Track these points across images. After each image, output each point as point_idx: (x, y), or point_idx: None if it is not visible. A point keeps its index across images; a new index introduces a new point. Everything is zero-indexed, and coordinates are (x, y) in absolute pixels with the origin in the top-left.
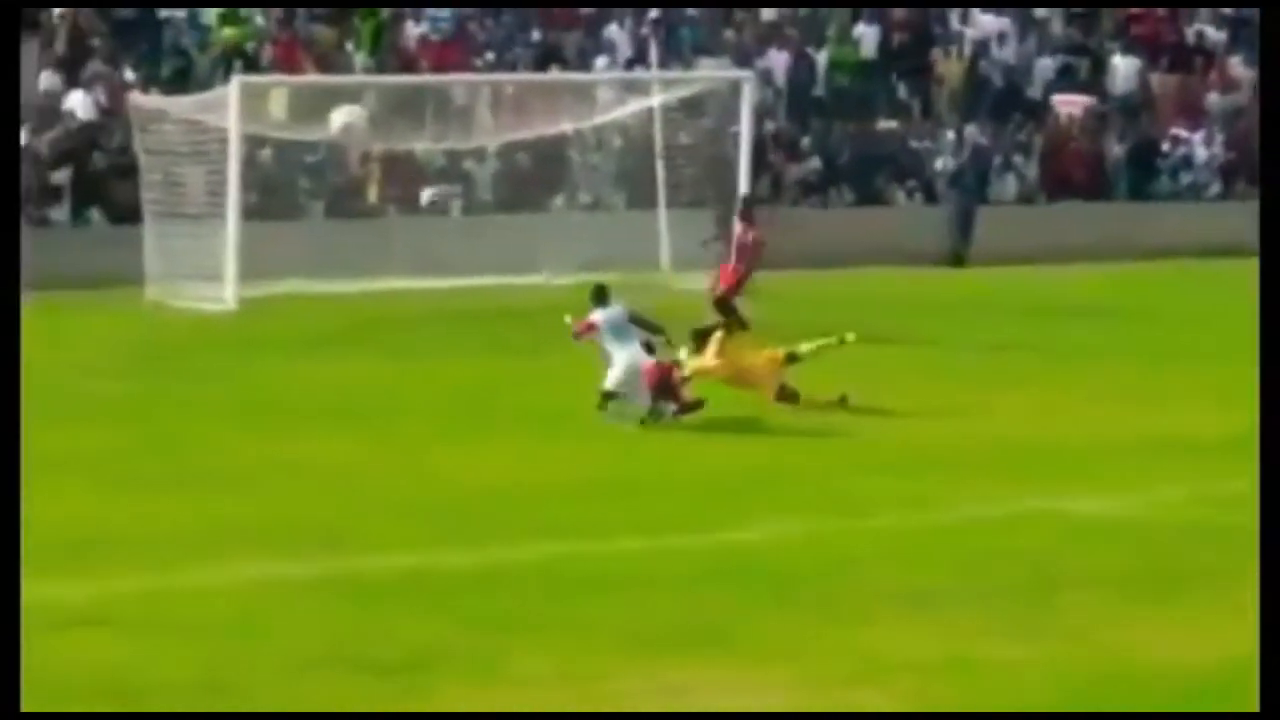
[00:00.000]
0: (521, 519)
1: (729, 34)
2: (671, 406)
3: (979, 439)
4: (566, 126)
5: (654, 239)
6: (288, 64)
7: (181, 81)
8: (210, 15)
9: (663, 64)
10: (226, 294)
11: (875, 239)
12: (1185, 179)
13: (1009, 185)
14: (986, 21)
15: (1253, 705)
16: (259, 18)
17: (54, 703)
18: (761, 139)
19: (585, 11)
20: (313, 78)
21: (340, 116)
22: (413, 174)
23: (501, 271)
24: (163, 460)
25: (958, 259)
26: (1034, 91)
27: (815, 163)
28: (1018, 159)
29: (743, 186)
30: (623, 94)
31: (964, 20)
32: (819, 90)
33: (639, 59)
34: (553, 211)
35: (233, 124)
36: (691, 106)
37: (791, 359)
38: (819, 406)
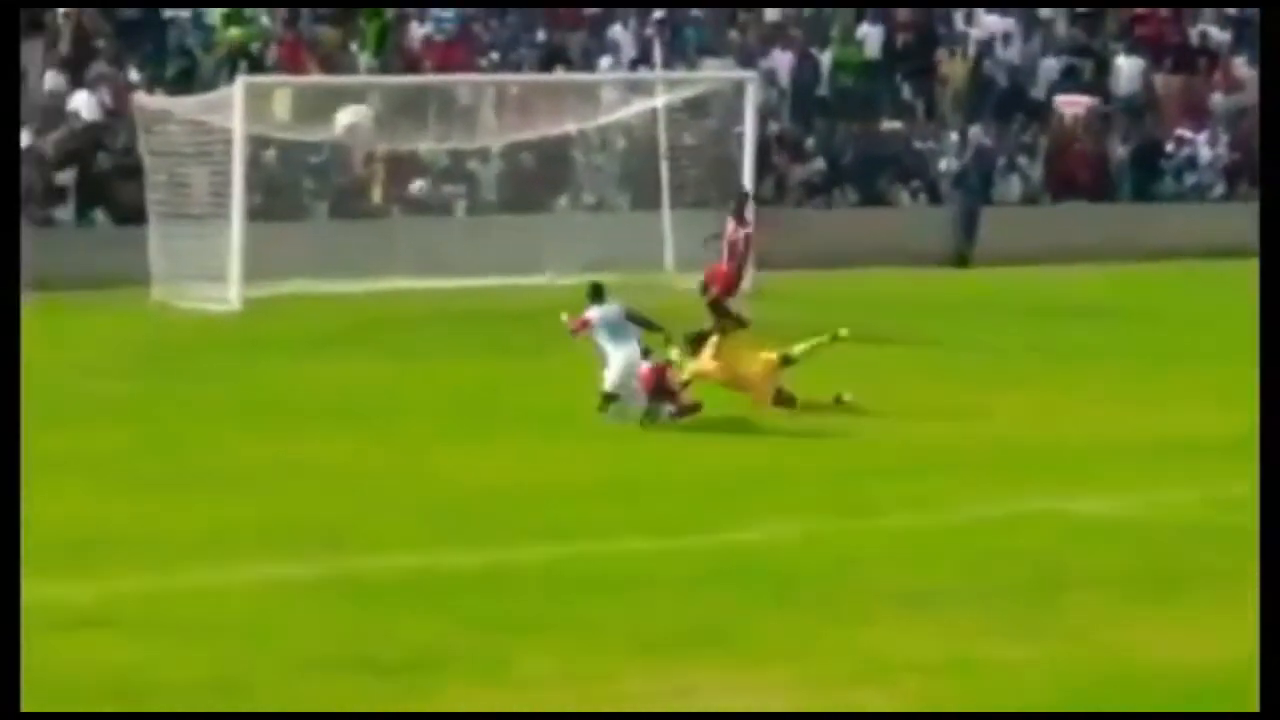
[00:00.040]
0: (524, 519)
1: (733, 34)
2: (669, 408)
3: (981, 439)
4: (571, 127)
5: (658, 240)
6: (292, 64)
7: (186, 82)
8: (215, 16)
9: (667, 64)
10: (231, 294)
11: (879, 239)
12: (1189, 180)
13: (1013, 186)
14: (991, 22)
15: (1253, 705)
16: (264, 18)
17: (58, 703)
18: (765, 139)
19: (590, 12)
20: (317, 78)
21: (346, 116)
22: (417, 174)
23: (505, 272)
24: (167, 460)
25: (962, 259)
26: (1038, 92)
27: (819, 163)
28: (1022, 160)
29: (747, 187)
30: (627, 94)
31: (968, 21)
32: (823, 91)
33: (643, 59)
34: (557, 212)
35: (237, 124)
36: (696, 107)
37: (787, 361)
38: (816, 409)
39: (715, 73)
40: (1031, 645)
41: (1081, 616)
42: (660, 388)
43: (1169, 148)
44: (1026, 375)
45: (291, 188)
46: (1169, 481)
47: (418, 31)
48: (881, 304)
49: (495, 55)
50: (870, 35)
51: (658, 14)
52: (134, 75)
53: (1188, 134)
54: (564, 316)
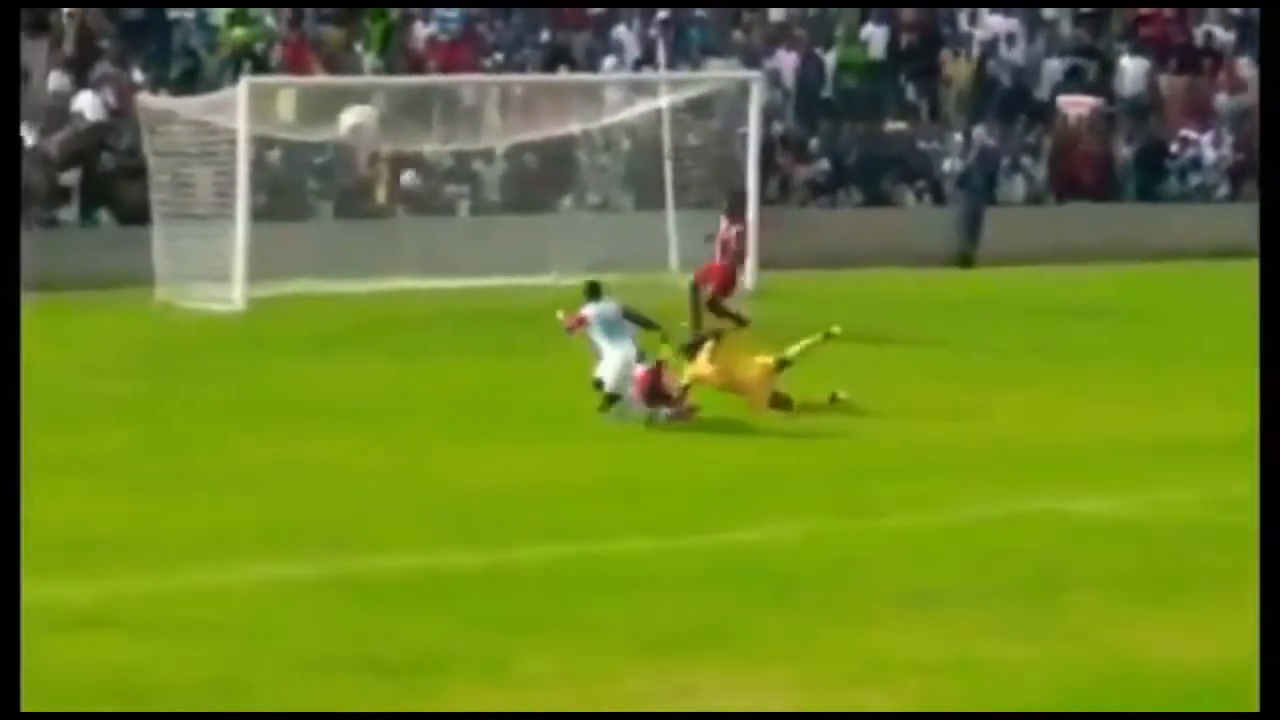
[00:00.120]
0: (525, 520)
1: (737, 35)
2: (665, 411)
3: (982, 439)
4: (575, 127)
5: (662, 240)
6: (296, 65)
7: (190, 82)
8: (219, 16)
9: (671, 65)
10: (235, 294)
11: (883, 240)
12: (1194, 180)
13: (1017, 186)
14: (995, 22)
15: (1254, 706)
16: (268, 19)
17: (60, 703)
18: (770, 140)
19: (594, 12)
20: (321, 79)
21: (351, 116)
22: (421, 174)
23: (510, 272)
24: (170, 460)
25: (966, 260)
26: (1042, 93)
27: (823, 164)
28: (1026, 160)
29: (751, 188)
30: (631, 95)
31: (972, 21)
32: (827, 91)
33: (647, 60)
34: (561, 212)
35: (241, 125)
36: (700, 107)
37: (783, 365)
38: (812, 409)
39: (720, 73)
40: (1032, 645)
41: (1082, 616)
42: (655, 391)
43: (1173, 148)
44: (1029, 375)
45: (296, 188)
46: (1170, 481)
47: (422, 32)
48: (885, 304)
49: (499, 56)
50: (875, 36)
51: (662, 14)
52: (138, 76)
53: (1192, 135)
54: (559, 315)
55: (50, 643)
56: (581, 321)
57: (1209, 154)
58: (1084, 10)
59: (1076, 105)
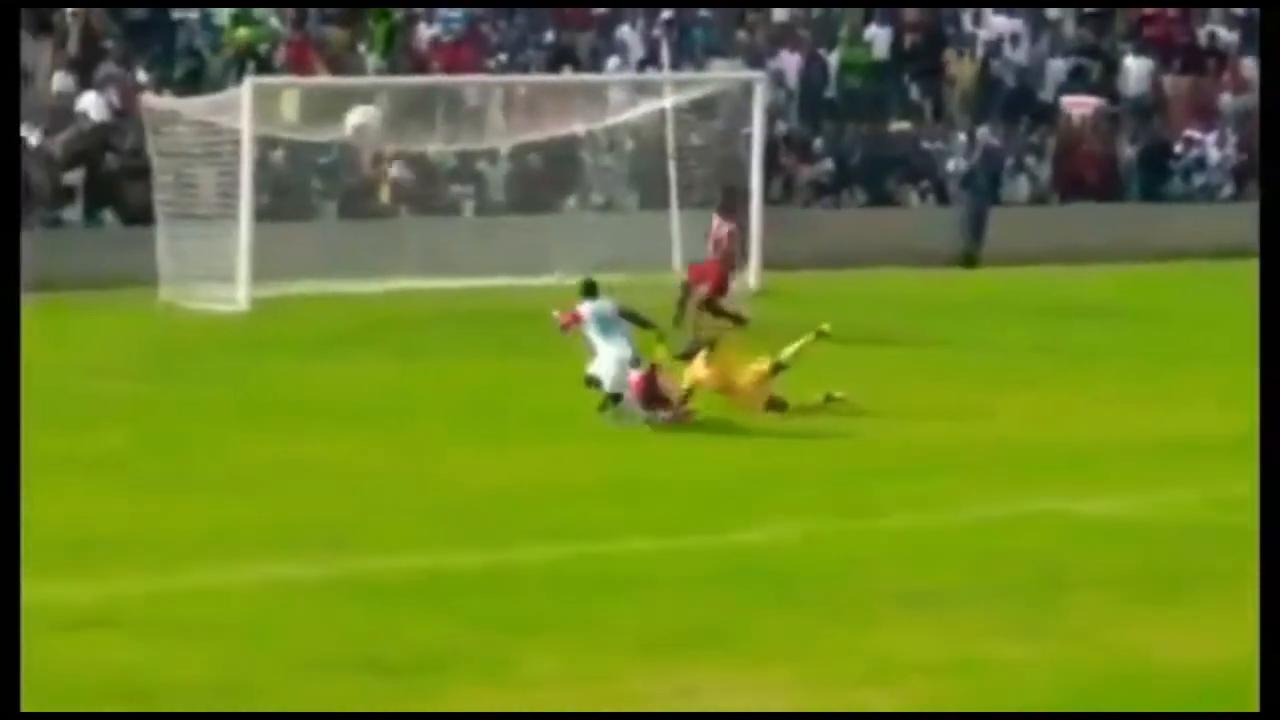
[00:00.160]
0: (529, 520)
1: (741, 35)
2: (663, 414)
3: (985, 439)
4: (579, 127)
5: (666, 240)
6: (300, 65)
7: (194, 83)
8: (223, 16)
9: (675, 65)
10: (238, 295)
11: (887, 240)
12: (1198, 180)
13: (1021, 186)
14: (999, 23)
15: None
16: (272, 19)
17: (61, 703)
18: (773, 140)
19: (597, 12)
20: (325, 79)
21: (356, 117)
22: (425, 174)
23: (513, 272)
24: (173, 461)
25: (969, 260)
26: (1046, 93)
27: (827, 164)
28: (1030, 160)
29: (755, 188)
30: (635, 95)
31: (976, 22)
32: (831, 91)
33: (651, 60)
34: (565, 212)
35: (245, 125)
36: (703, 108)
37: (778, 369)
38: (806, 410)
39: (723, 73)
40: (1034, 645)
41: (1085, 617)
42: (652, 395)
43: (1177, 148)
44: (1033, 375)
45: (299, 188)
46: (1173, 482)
47: (425, 32)
48: (889, 304)
49: (503, 56)
50: (878, 36)
51: (665, 14)
52: (142, 76)
53: (1196, 135)
54: (555, 314)
55: (52, 643)
56: (576, 319)
57: (1213, 154)
58: (1088, 10)
59: (1080, 105)
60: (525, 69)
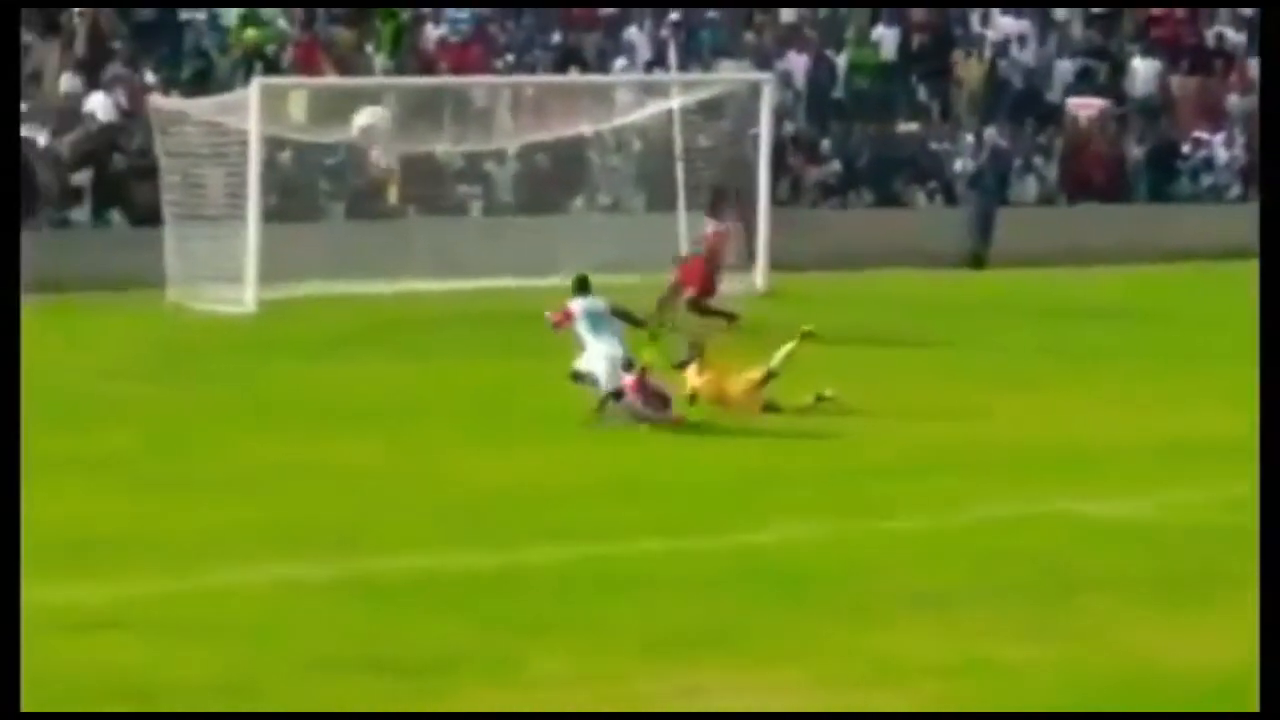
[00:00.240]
0: (536, 520)
1: (748, 36)
2: (663, 412)
3: (992, 440)
4: (586, 128)
5: (673, 240)
6: (308, 66)
7: (202, 83)
8: (231, 17)
9: (682, 66)
10: (246, 296)
11: (895, 240)
12: (1205, 181)
13: (1029, 187)
14: (1006, 24)
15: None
16: (280, 20)
17: (66, 704)
18: (781, 141)
19: (605, 13)
20: (332, 80)
21: (363, 118)
22: (433, 175)
23: (521, 273)
24: (180, 461)
25: (977, 260)
26: (1053, 94)
27: (835, 165)
28: (1037, 161)
29: (763, 189)
30: (642, 96)
31: (984, 23)
32: (838, 92)
33: (658, 61)
34: (572, 213)
35: (253, 126)
36: (711, 109)
37: (769, 376)
38: (799, 411)
39: (730, 74)
40: (1041, 646)
41: (1092, 618)
42: (649, 394)
43: (1185, 149)
44: (1040, 376)
45: (307, 189)
46: (1180, 483)
47: (433, 33)
48: (896, 305)
49: (510, 57)
50: (886, 37)
51: (673, 15)
52: (150, 77)
53: (1204, 135)
54: (546, 314)
55: (57, 643)
56: (567, 316)
57: (1221, 155)
58: (1095, 11)
59: (1087, 106)
60: (533, 70)
